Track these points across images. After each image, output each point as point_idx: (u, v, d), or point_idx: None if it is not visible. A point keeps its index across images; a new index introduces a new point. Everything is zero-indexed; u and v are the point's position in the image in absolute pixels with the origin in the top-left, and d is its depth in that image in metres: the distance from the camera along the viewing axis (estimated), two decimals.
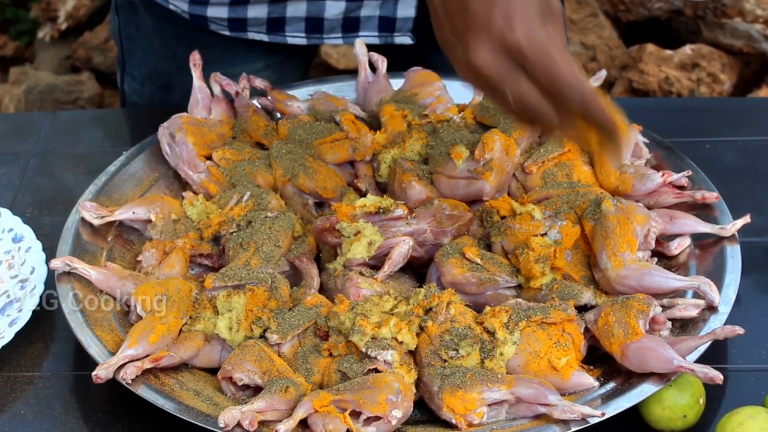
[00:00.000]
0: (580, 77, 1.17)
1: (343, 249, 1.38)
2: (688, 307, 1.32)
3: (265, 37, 1.77)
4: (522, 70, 1.16)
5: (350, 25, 1.76)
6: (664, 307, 1.32)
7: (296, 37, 1.77)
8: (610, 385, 1.26)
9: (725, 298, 1.32)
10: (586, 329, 1.29)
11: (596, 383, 1.26)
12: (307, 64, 1.97)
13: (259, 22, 1.75)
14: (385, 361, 1.25)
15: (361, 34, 1.76)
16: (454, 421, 1.22)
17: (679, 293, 1.34)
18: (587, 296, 1.34)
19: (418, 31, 1.75)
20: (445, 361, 1.26)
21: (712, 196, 1.45)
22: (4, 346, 1.37)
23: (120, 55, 1.92)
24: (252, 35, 1.77)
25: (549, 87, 1.16)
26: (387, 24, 1.75)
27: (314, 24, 1.75)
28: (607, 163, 1.47)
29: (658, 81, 3.02)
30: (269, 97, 1.65)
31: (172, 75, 1.85)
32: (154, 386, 1.26)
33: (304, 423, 1.21)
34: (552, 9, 1.17)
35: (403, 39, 1.76)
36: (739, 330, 1.25)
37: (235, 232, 1.44)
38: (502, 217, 1.42)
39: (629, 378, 1.25)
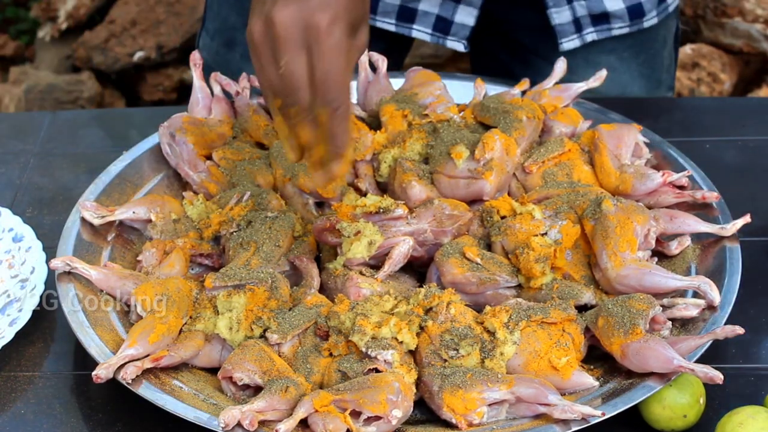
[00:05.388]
0: (348, 91, 1.17)
1: (343, 248, 1.38)
2: (689, 307, 1.32)
3: None
4: (307, 50, 1.15)
5: (406, 15, 1.74)
6: (665, 307, 1.32)
7: None
8: (611, 385, 1.26)
9: (725, 298, 1.32)
10: (587, 329, 1.29)
11: (596, 383, 1.26)
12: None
13: None
14: (385, 360, 1.25)
15: (414, 26, 1.75)
16: (454, 421, 1.22)
17: (680, 293, 1.34)
18: (587, 296, 1.34)
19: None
20: (446, 360, 1.26)
21: (712, 195, 1.45)
22: (4, 346, 1.37)
23: (204, 10, 1.92)
24: None
25: (319, 80, 1.15)
26: (442, 24, 1.74)
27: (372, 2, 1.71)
28: (607, 163, 1.47)
29: None
30: None
31: (237, 30, 1.83)
32: (155, 386, 1.26)
33: (304, 423, 1.21)
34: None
35: (456, 44, 1.75)
36: (739, 330, 1.25)
37: (236, 231, 1.44)
38: (503, 217, 1.42)
39: (629, 378, 1.25)
